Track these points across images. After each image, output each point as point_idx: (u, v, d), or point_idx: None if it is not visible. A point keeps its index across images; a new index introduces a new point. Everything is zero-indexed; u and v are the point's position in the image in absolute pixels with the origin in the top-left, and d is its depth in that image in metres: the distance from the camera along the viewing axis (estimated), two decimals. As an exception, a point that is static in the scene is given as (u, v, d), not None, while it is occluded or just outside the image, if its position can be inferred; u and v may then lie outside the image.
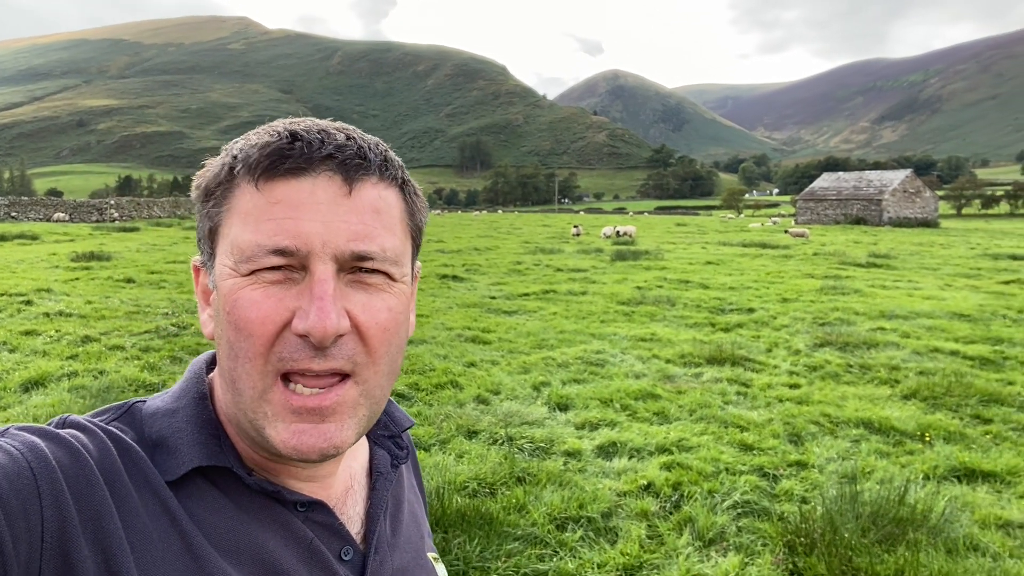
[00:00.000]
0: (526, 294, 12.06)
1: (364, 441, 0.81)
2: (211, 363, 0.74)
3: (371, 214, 0.63)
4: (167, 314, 9.31)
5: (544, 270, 16.20)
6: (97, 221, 41.11)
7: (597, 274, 15.37)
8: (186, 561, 0.58)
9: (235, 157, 0.63)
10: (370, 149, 0.64)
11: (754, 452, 4.73)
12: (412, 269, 0.71)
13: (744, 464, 4.49)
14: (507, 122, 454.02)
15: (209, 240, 0.65)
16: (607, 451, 4.74)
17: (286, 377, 0.61)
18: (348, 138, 0.63)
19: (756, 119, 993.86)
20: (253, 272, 0.60)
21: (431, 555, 0.83)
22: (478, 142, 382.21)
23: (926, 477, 4.33)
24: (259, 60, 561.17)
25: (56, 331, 7.96)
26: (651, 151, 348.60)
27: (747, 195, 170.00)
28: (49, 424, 0.61)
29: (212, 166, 0.65)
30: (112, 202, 46.02)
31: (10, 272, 13.83)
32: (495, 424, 5.16)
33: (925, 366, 7.04)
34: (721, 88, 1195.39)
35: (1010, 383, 6.42)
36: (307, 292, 0.60)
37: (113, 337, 7.82)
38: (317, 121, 0.65)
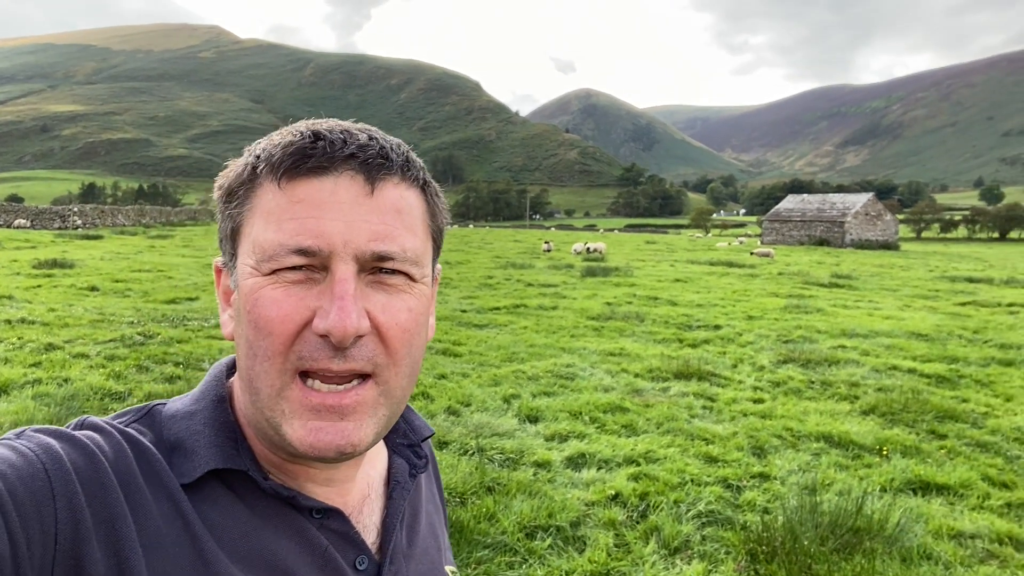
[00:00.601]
0: (497, 308, 12.13)
1: (383, 449, 0.79)
2: (231, 367, 0.73)
3: (392, 214, 0.62)
4: (132, 323, 9.18)
5: (515, 285, 16.30)
6: (60, 228, 40.24)
7: (567, 289, 15.51)
8: (197, 566, 0.58)
9: (258, 157, 0.63)
10: (392, 149, 0.64)
11: (719, 464, 4.84)
12: (432, 271, 0.70)
13: (709, 475, 4.60)
14: (480, 137, 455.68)
15: (231, 240, 0.65)
16: (576, 462, 4.81)
17: (304, 374, 0.60)
18: (370, 138, 0.63)
19: (724, 141, 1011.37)
20: (275, 271, 0.60)
21: (449, 568, 0.82)
22: (450, 156, 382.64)
23: (883, 489, 4.48)
24: (230, 69, 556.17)
25: (18, 338, 7.81)
26: (622, 169, 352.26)
27: (715, 215, 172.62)
28: (67, 426, 0.61)
29: (235, 167, 0.65)
30: (75, 209, 45.08)
31: (-31, 278, 13.50)
32: (466, 435, 5.21)
33: (884, 383, 7.25)
34: (691, 109, 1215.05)
35: (964, 400, 6.65)
36: (328, 292, 0.59)
37: (77, 345, 7.70)
38: (339, 121, 0.65)
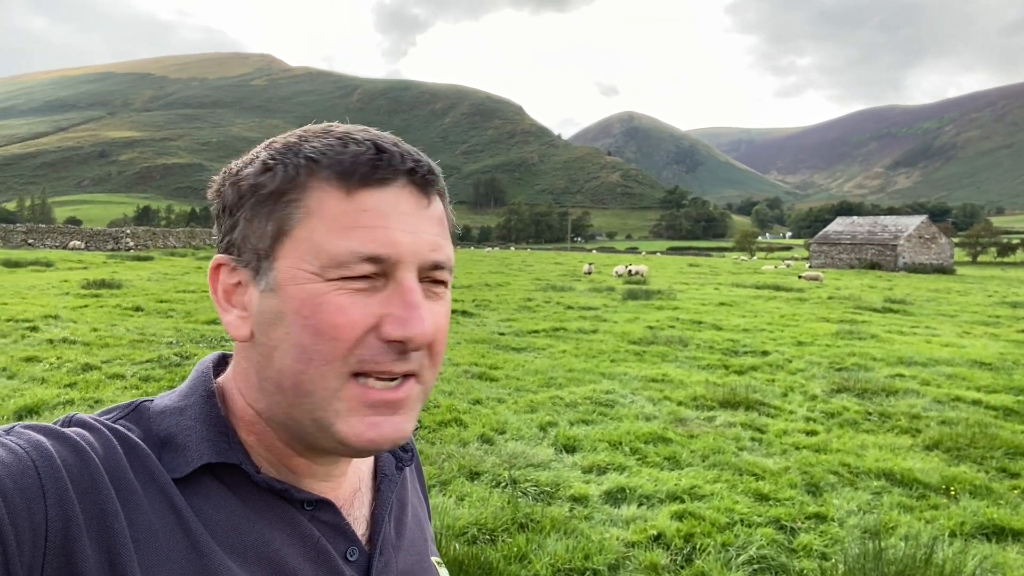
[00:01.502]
0: (536, 331, 11.89)
1: None
2: (217, 363, 0.74)
3: (440, 225, 0.67)
4: (171, 343, 9.20)
5: (555, 307, 16.04)
6: (112, 250, 41.45)
7: (608, 312, 15.19)
8: (191, 559, 0.58)
9: (316, 161, 0.63)
10: (431, 163, 0.68)
11: (770, 502, 4.51)
12: None
13: (760, 515, 4.26)
14: (522, 160, 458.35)
15: (271, 240, 0.64)
16: (615, 497, 4.53)
17: (356, 374, 0.62)
18: (416, 152, 0.67)
19: (770, 163, 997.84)
20: (341, 278, 0.61)
21: (434, 559, 0.83)
22: (492, 179, 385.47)
23: (952, 534, 4.09)
24: (280, 96, 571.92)
25: (57, 358, 7.86)
26: (664, 192, 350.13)
27: (760, 237, 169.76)
28: (56, 423, 0.60)
29: (274, 166, 0.64)
30: (128, 231, 46.46)
31: (20, 298, 13.84)
32: (499, 465, 4.97)
33: (947, 415, 6.78)
34: (735, 131, 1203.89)
35: (1037, 435, 6.15)
36: (396, 299, 0.62)
37: (114, 365, 7.71)
38: (370, 129, 0.68)
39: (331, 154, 0.63)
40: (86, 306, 12.90)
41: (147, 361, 7.99)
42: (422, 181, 0.65)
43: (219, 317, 0.68)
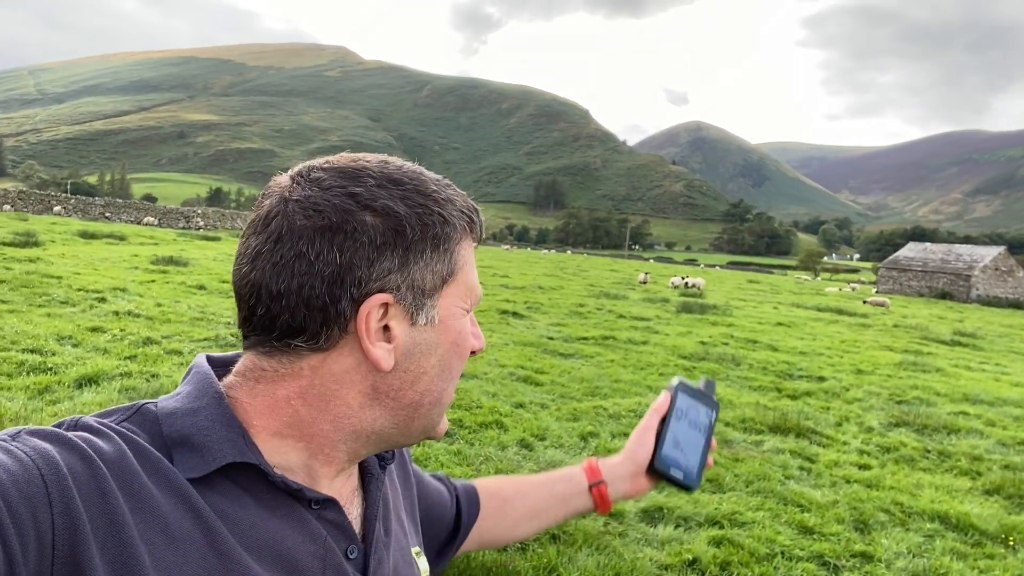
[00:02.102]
0: (585, 338, 11.79)
1: None
2: (216, 365, 0.75)
3: None
4: (229, 323, 9.45)
5: (606, 315, 15.88)
6: (183, 228, 43.00)
7: (661, 324, 14.95)
8: (210, 559, 0.59)
9: (467, 217, 0.74)
10: None
11: (814, 536, 4.33)
12: None
13: (802, 549, 4.10)
14: (584, 164, 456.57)
15: (440, 283, 0.71)
16: (652, 516, 4.42)
17: None
18: None
19: (841, 182, 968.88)
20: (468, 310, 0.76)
21: (414, 550, 0.87)
22: (554, 182, 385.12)
23: (1010, 589, 3.86)
24: (352, 88, 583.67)
25: (121, 330, 8.15)
26: (728, 205, 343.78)
27: (826, 258, 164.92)
28: (60, 425, 0.60)
29: (430, 216, 0.69)
30: (199, 211, 48.16)
31: (92, 269, 14.44)
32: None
33: (1011, 460, 6.42)
34: (807, 148, 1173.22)
35: (1111, 490, 5.76)
36: (474, 325, 0.78)
37: (174, 341, 7.95)
38: (438, 177, 0.75)
39: (466, 213, 0.74)
40: (153, 281, 13.37)
41: (204, 340, 8.22)
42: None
43: (364, 348, 0.67)
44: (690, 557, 3.83)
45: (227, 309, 10.71)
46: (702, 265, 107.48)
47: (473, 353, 0.77)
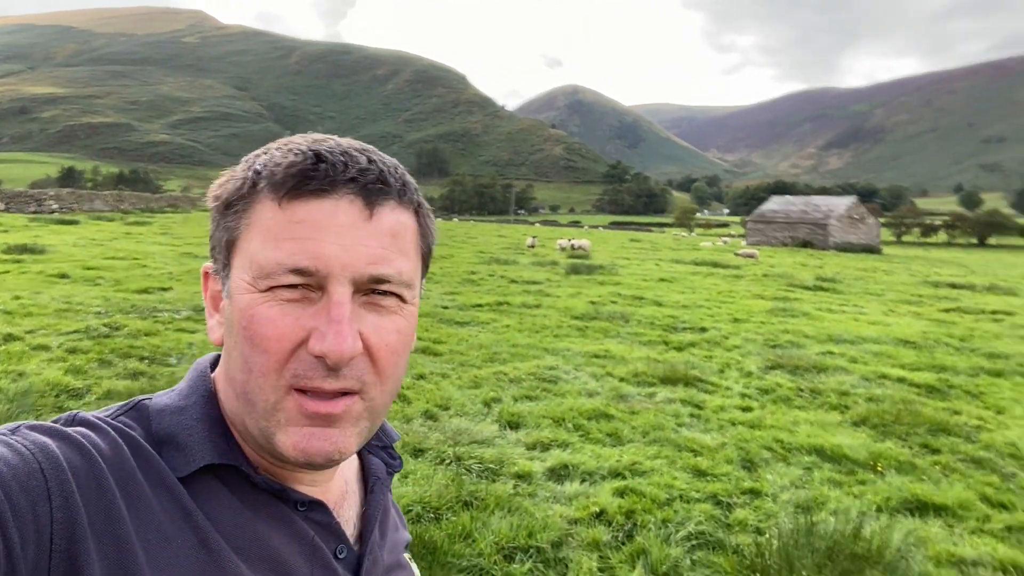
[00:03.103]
0: (479, 305, 11.87)
1: None
2: (214, 363, 0.74)
3: (389, 238, 0.65)
4: (100, 313, 8.82)
5: (498, 281, 16.03)
6: (35, 212, 39.37)
7: (552, 287, 15.27)
8: (201, 557, 0.59)
9: (258, 173, 0.64)
10: (390, 173, 0.66)
11: (708, 478, 4.63)
12: (420, 288, 0.72)
13: (698, 491, 4.37)
14: (465, 131, 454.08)
15: (225, 251, 0.66)
16: (559, 474, 4.57)
17: (299, 389, 0.62)
18: (370, 161, 0.65)
19: (710, 140, 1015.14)
20: (270, 289, 0.61)
21: (406, 555, 0.87)
22: (435, 149, 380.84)
23: (879, 509, 4.28)
24: (213, 55, 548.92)
25: (-25, 328, 7.43)
26: (607, 166, 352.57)
27: (699, 214, 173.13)
28: (58, 421, 0.61)
29: (233, 178, 0.66)
30: (51, 193, 44.17)
31: (-68, 262, 13.02)
32: (443, 442, 4.95)
33: (874, 392, 7.08)
34: (677, 108, 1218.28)
35: (956, 412, 6.49)
36: (324, 313, 0.61)
37: (39, 336, 7.34)
38: (339, 140, 0.67)
39: (271, 166, 0.63)
40: (7, 272, 12.23)
41: (74, 332, 7.64)
42: (365, 191, 0.63)
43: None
44: (597, 509, 3.99)
45: (95, 298, 9.98)
46: (586, 227, 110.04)
47: (326, 360, 0.60)
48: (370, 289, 0.64)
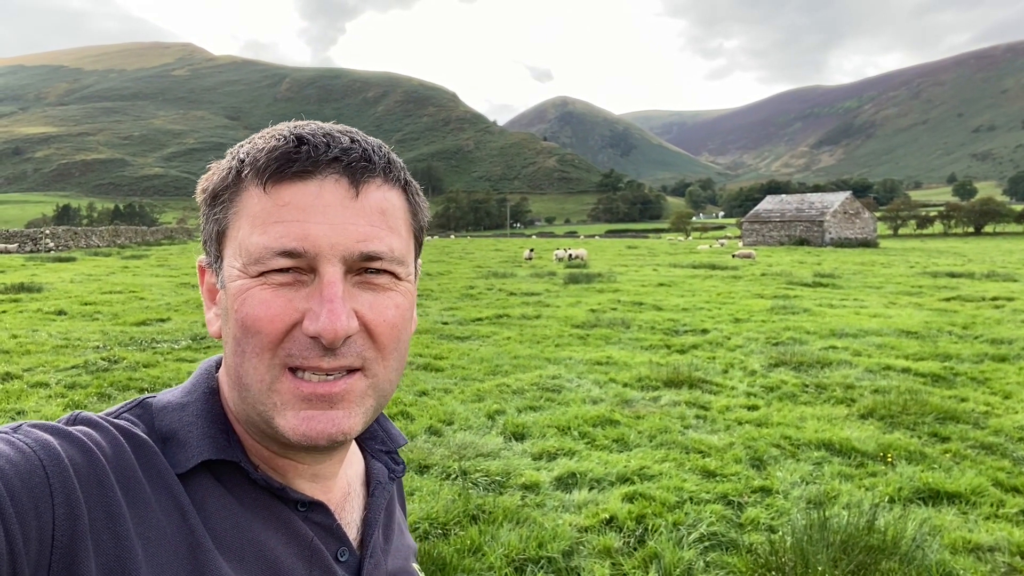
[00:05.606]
0: (479, 319, 11.83)
1: (359, 452, 0.82)
2: (219, 364, 0.74)
3: (377, 215, 0.64)
4: (98, 347, 8.78)
5: (497, 294, 16.00)
6: (31, 251, 39.40)
7: (551, 297, 15.24)
8: (192, 556, 0.59)
9: (242, 161, 0.64)
10: (374, 151, 0.65)
11: (717, 479, 4.58)
12: (415, 267, 0.72)
13: (708, 492, 4.32)
14: (458, 148, 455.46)
15: (216, 242, 0.66)
16: (566, 483, 4.52)
17: (293, 369, 0.62)
18: (352, 141, 0.65)
19: (701, 144, 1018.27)
20: (262, 274, 0.61)
21: (415, 565, 0.86)
22: (429, 168, 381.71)
23: (891, 500, 4.23)
24: (205, 87, 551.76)
25: (-27, 368, 7.38)
26: (601, 175, 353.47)
27: (694, 218, 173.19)
28: (60, 421, 0.61)
29: (218, 170, 0.66)
30: (47, 231, 44.22)
31: (-71, 306, 12.98)
32: (448, 457, 4.90)
33: (879, 384, 7.04)
34: (667, 114, 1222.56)
35: (963, 400, 6.44)
36: (316, 294, 0.61)
37: (37, 373, 7.30)
38: (321, 124, 0.66)
39: (254, 153, 0.63)
40: (4, 312, 12.20)
41: (72, 368, 7.60)
42: (350, 170, 0.63)
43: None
44: (607, 516, 3.94)
45: (93, 333, 9.95)
46: (582, 236, 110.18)
47: (321, 339, 0.60)
48: (363, 268, 0.63)
